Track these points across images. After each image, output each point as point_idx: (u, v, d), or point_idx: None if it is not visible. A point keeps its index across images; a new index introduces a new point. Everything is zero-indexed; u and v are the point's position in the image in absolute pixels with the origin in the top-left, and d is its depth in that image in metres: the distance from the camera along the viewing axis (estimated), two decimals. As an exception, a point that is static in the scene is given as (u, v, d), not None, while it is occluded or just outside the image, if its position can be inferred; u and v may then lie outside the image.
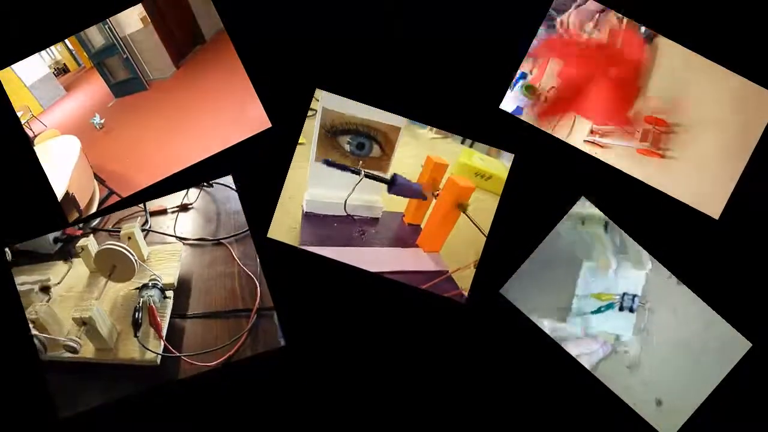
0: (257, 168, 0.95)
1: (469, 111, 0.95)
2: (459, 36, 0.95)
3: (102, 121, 0.97)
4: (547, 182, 0.94)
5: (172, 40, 1.00)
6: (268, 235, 0.94)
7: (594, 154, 0.95)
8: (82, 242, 0.97)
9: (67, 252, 0.99)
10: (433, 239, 0.99)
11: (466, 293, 0.93)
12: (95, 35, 0.97)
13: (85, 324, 0.90)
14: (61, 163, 0.95)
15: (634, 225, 0.93)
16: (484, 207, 0.95)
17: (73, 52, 0.98)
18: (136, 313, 0.94)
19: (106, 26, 0.97)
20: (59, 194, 0.94)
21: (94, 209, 0.95)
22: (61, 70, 0.98)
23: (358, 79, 0.95)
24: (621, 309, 0.93)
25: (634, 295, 0.93)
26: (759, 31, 0.94)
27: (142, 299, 0.95)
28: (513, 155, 0.94)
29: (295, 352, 0.92)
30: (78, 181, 0.95)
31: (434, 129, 0.96)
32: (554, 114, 0.96)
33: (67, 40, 0.97)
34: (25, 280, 0.96)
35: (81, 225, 0.97)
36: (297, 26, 0.96)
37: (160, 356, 0.91)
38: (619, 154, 0.95)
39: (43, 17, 0.96)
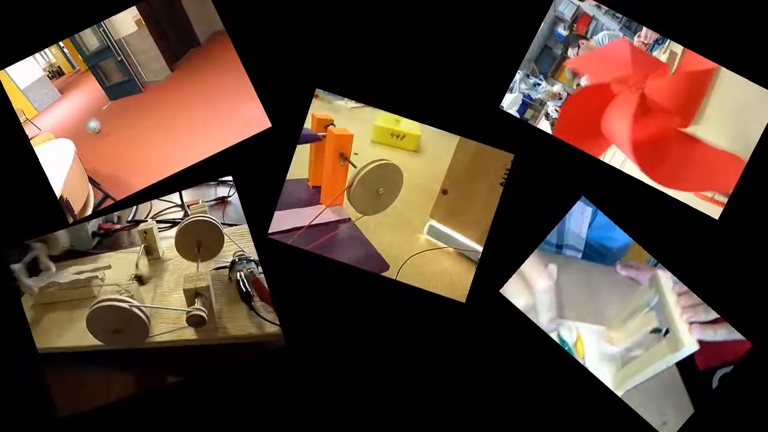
0: (257, 168, 0.94)
1: (469, 111, 0.95)
2: (459, 36, 0.94)
3: (98, 126, 0.96)
4: (547, 182, 0.94)
5: (167, 42, 0.99)
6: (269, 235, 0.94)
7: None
8: (144, 226, 0.96)
9: (114, 243, 1.01)
10: (331, 193, 1.06)
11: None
12: (90, 38, 0.96)
13: (200, 296, 0.86)
14: (55, 167, 0.94)
15: (634, 225, 0.93)
16: (403, 163, 1.00)
17: (68, 55, 0.97)
18: (243, 286, 0.91)
19: (101, 29, 0.95)
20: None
21: (88, 213, 0.94)
22: (55, 73, 0.97)
23: (358, 79, 0.94)
24: None
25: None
26: (759, 30, 0.94)
27: (241, 272, 0.93)
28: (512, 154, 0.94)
29: (295, 352, 0.92)
30: (72, 185, 0.94)
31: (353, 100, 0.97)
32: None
33: (61, 43, 0.96)
34: (81, 269, 0.96)
35: (116, 219, 0.98)
36: (297, 26, 0.95)
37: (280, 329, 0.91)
38: (677, 193, 0.91)
39: (37, 20, 0.95)
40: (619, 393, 0.91)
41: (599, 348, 0.92)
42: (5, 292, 0.92)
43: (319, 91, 0.95)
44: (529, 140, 0.94)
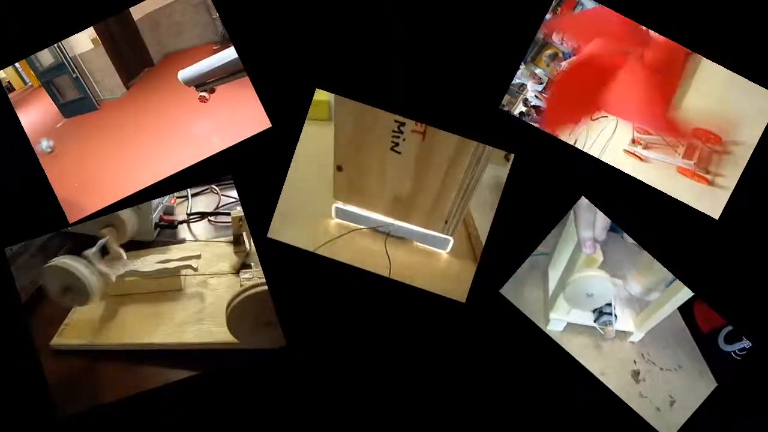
0: (257, 168, 0.94)
1: (469, 111, 0.94)
2: (459, 36, 0.94)
3: (51, 145, 0.94)
4: (547, 182, 0.94)
5: (123, 61, 0.98)
6: (268, 235, 0.94)
7: (630, 167, 0.89)
8: (237, 213, 0.96)
9: (174, 236, 1.00)
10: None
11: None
12: (43, 54, 0.93)
13: None
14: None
15: (634, 225, 0.93)
16: (313, 137, 0.93)
17: (19, 70, 0.94)
18: None
19: (56, 45, 0.93)
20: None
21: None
22: (5, 89, 0.93)
23: (358, 79, 0.94)
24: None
25: (614, 311, 0.95)
26: (759, 30, 0.94)
27: None
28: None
29: (295, 352, 0.92)
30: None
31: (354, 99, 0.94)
32: (563, 113, 0.90)
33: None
34: (165, 258, 0.95)
35: (172, 213, 0.99)
36: (297, 26, 0.95)
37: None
38: (658, 171, 0.88)
39: None
40: (640, 335, 0.96)
41: (617, 293, 0.95)
42: (5, 292, 0.92)
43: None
44: (529, 140, 0.94)
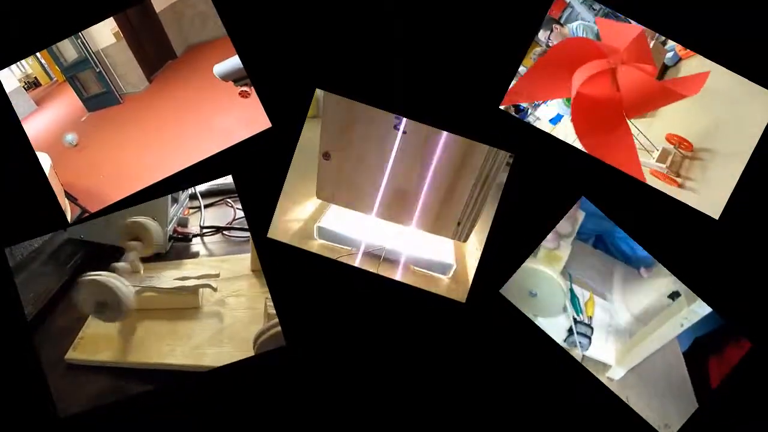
0: (257, 168, 0.94)
1: (469, 111, 0.94)
2: (459, 36, 0.94)
3: (76, 139, 0.95)
4: (547, 182, 0.94)
5: (145, 54, 0.99)
6: (269, 235, 0.94)
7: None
8: None
9: (186, 249, 0.99)
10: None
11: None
12: (68, 49, 0.95)
13: None
14: (30, 182, 0.92)
15: (634, 225, 0.92)
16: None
17: (45, 66, 0.95)
18: None
19: (79, 40, 0.94)
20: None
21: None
22: (31, 84, 0.95)
23: (358, 79, 0.94)
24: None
25: (586, 333, 0.91)
26: (759, 30, 0.94)
27: None
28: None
29: (295, 352, 0.92)
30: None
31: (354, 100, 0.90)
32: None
33: (38, 54, 0.94)
34: (183, 275, 0.94)
35: (186, 225, 0.98)
36: (297, 26, 0.95)
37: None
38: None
39: (14, 30, 0.93)
40: (621, 372, 0.87)
41: (608, 320, 0.89)
42: (5, 292, 0.92)
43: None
44: (529, 140, 0.94)
